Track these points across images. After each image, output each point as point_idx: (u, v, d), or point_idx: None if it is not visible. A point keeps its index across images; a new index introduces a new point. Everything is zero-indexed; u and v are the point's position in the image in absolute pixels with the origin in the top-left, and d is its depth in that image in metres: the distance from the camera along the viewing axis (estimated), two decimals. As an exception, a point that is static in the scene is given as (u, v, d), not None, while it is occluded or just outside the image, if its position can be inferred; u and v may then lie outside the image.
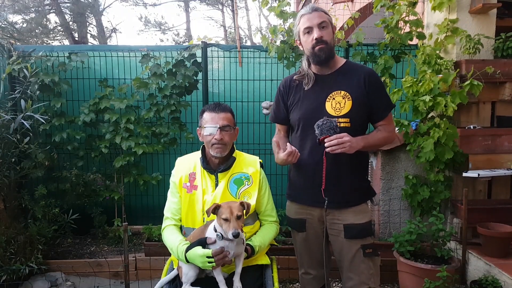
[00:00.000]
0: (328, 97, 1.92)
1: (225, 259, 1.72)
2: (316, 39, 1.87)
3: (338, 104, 1.89)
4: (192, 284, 1.82)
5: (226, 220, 1.67)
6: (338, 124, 1.84)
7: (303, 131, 1.97)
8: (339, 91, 1.91)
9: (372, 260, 1.93)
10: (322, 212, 1.97)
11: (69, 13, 13.57)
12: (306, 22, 1.90)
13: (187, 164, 2.02)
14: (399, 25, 3.58)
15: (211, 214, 1.77)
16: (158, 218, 2.80)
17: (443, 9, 3.42)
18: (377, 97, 1.93)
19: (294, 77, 2.06)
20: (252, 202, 1.92)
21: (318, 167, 1.90)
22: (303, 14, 1.92)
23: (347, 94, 1.90)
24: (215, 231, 1.74)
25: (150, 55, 3.88)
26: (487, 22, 3.49)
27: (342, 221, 1.93)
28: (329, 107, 1.90)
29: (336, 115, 1.88)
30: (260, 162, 2.07)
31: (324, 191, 1.90)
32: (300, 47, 2.03)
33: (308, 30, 1.90)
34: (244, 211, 1.73)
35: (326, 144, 1.77)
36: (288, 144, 1.90)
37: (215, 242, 1.73)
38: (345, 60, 2.02)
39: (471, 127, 3.36)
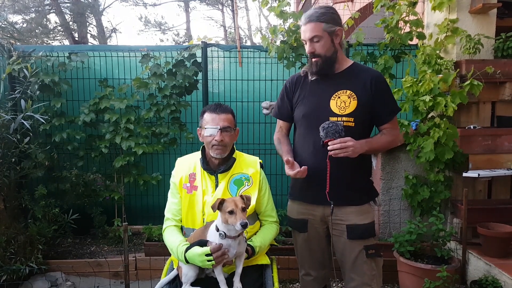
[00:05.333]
0: (333, 96, 1.91)
1: (225, 256, 1.72)
2: (308, 53, 1.91)
3: (343, 103, 1.88)
4: (192, 284, 1.82)
5: (231, 212, 1.67)
6: (342, 123, 1.83)
7: (307, 128, 1.97)
8: (344, 90, 1.90)
9: (374, 261, 1.93)
10: (324, 211, 1.96)
11: (69, 13, 13.57)
12: (302, 34, 1.93)
13: (187, 165, 2.02)
14: (399, 25, 3.57)
15: (213, 213, 1.77)
16: (158, 218, 2.80)
17: (443, 9, 3.42)
18: (382, 101, 1.92)
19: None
20: (252, 202, 1.92)
21: (321, 166, 1.89)
22: (301, 23, 1.92)
23: (353, 94, 1.89)
24: (217, 230, 1.73)
25: (150, 55, 3.88)
26: (487, 22, 3.49)
27: (345, 221, 1.92)
28: (334, 105, 1.90)
29: (340, 113, 1.88)
30: (260, 163, 2.06)
31: (329, 194, 1.88)
32: None
33: (305, 41, 1.93)
34: (245, 204, 1.73)
35: (329, 148, 1.76)
36: (295, 163, 1.91)
37: (219, 248, 1.72)
38: (352, 61, 2.01)
39: (471, 127, 3.36)
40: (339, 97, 1.90)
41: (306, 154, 1.97)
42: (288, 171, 1.89)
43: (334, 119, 1.86)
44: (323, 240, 2.05)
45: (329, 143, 1.76)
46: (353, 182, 1.93)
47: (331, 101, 1.91)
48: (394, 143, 2.03)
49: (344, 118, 1.87)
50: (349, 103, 1.88)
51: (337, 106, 1.89)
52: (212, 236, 1.76)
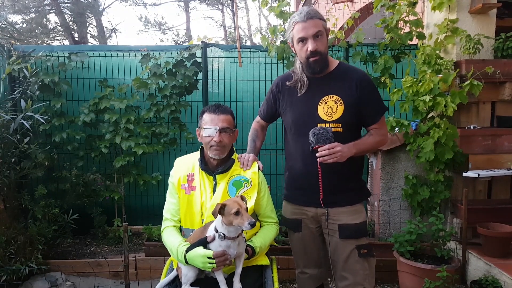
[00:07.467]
0: (321, 102, 1.91)
1: (226, 262, 1.72)
2: (311, 51, 1.84)
3: (330, 108, 1.89)
4: (191, 285, 1.82)
5: (237, 213, 1.66)
6: (331, 129, 1.84)
7: (296, 134, 1.98)
8: (331, 96, 1.90)
9: (367, 261, 1.93)
10: (317, 210, 1.97)
11: (69, 13, 13.57)
12: (301, 32, 1.83)
13: (186, 165, 2.02)
14: (399, 25, 3.57)
15: (211, 215, 1.77)
16: (158, 218, 2.79)
17: (443, 9, 3.42)
18: (369, 101, 1.92)
19: (287, 83, 2.04)
20: (251, 204, 1.92)
21: (311, 170, 1.90)
22: (297, 21, 1.83)
23: (339, 98, 1.89)
24: (216, 231, 1.73)
25: (150, 55, 3.88)
26: (487, 22, 3.49)
27: (337, 221, 1.93)
28: (321, 111, 1.90)
29: (328, 119, 1.88)
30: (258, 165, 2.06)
31: (323, 201, 1.90)
32: (292, 49, 2.01)
33: (303, 39, 1.85)
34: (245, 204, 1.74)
35: (318, 154, 1.77)
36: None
37: (214, 238, 1.72)
38: (338, 62, 2.00)
39: (471, 127, 3.36)
40: (326, 103, 1.90)
41: (296, 158, 1.98)
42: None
43: (322, 125, 1.86)
44: (317, 239, 2.05)
45: (318, 150, 1.77)
46: (344, 183, 1.93)
47: (318, 107, 1.91)
48: (382, 143, 2.03)
49: (332, 124, 1.87)
50: (336, 109, 1.88)
51: (325, 112, 1.89)
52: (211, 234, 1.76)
